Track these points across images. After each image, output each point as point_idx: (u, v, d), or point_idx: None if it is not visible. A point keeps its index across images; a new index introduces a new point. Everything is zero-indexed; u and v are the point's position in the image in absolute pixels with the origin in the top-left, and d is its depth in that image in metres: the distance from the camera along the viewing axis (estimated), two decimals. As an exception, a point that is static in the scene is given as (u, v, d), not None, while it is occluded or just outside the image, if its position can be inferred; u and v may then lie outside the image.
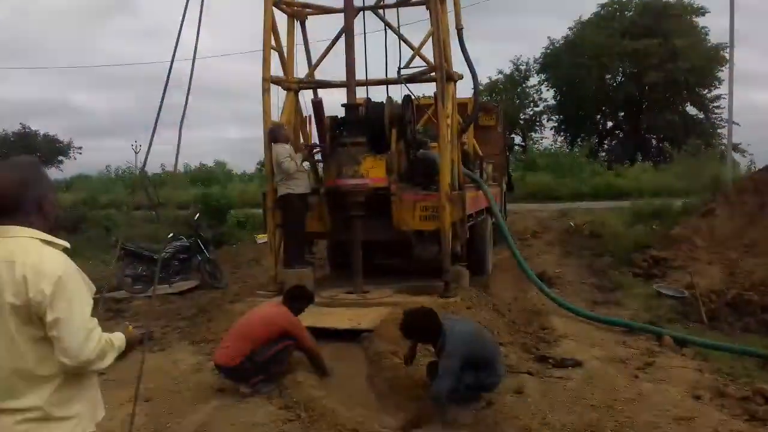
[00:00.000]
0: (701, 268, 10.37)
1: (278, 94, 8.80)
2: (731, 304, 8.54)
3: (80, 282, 2.22)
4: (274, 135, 8.18)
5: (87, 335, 2.15)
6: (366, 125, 8.06)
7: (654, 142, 37.46)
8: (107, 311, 8.80)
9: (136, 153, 22.46)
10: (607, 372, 5.70)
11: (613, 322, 7.63)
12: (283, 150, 8.00)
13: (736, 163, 20.99)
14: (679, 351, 6.62)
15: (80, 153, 45.24)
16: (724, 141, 25.10)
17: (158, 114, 3.93)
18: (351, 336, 6.58)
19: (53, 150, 42.55)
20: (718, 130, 34.80)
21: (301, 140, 9.06)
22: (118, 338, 2.38)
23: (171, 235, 11.88)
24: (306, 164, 8.76)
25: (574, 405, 4.92)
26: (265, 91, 8.32)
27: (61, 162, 43.86)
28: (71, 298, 2.14)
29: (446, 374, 4.60)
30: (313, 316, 6.91)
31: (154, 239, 13.38)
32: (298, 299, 5.68)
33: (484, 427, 4.62)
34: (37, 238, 2.20)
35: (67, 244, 2.31)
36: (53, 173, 39.52)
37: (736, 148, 28.48)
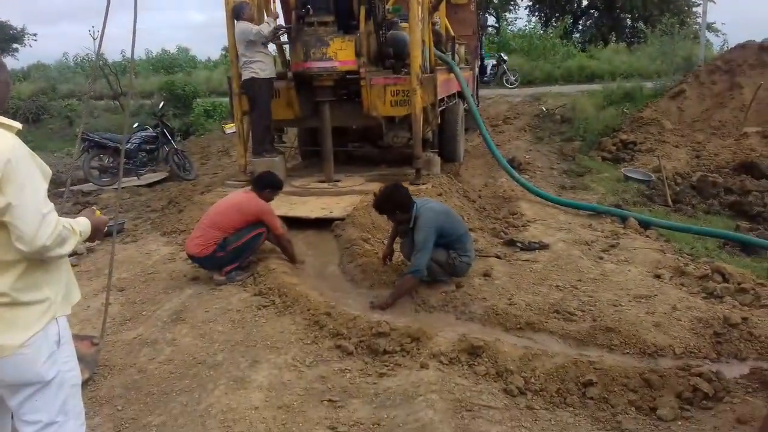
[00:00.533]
0: (669, 150, 10.53)
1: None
2: (696, 186, 8.75)
3: (32, 165, 2.14)
4: (236, 12, 7.77)
5: (41, 220, 2.09)
6: (333, 3, 7.67)
7: (629, 21, 36.67)
8: (75, 204, 8.70)
9: (94, 39, 21.38)
10: (572, 254, 5.88)
11: (580, 206, 7.78)
12: (247, 27, 7.63)
13: (709, 43, 20.77)
14: (643, 233, 6.82)
15: (35, 40, 42.87)
16: (699, 20, 24.69)
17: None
18: (323, 224, 6.62)
19: (6, 37, 40.21)
20: (693, 9, 34.12)
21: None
22: (81, 223, 2.34)
23: (136, 125, 11.58)
24: (271, 47, 8.41)
25: (539, 286, 5.09)
26: (223, -34, 7.81)
27: (15, 50, 41.59)
28: (23, 182, 2.06)
29: (423, 247, 4.76)
30: (285, 205, 6.92)
31: (119, 130, 13.05)
32: (267, 186, 5.58)
33: (452, 308, 4.76)
34: None
35: (19, 126, 2.20)
36: (8, 62, 37.57)
37: (710, 27, 28.09)
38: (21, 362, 2.16)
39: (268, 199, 5.59)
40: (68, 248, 2.23)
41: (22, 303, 2.15)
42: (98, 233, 2.49)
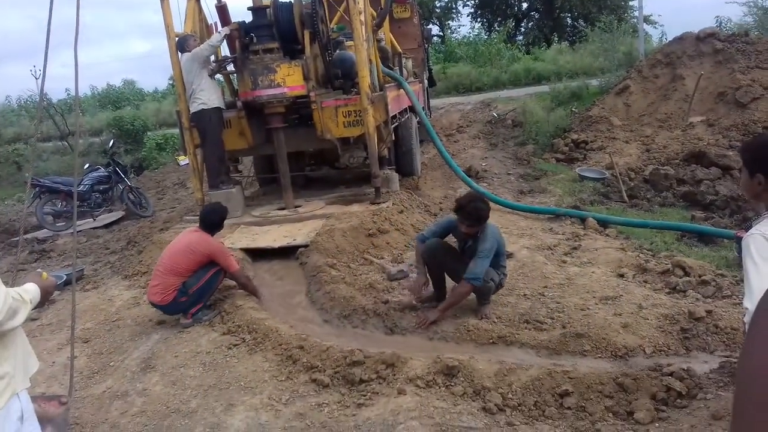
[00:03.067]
0: (619, 147, 10.77)
1: (179, 2, 8.24)
2: (649, 180, 8.96)
3: None
4: (181, 45, 7.69)
5: None
6: (276, 29, 7.66)
7: (569, 20, 37.57)
8: (31, 253, 8.44)
9: (36, 79, 20.85)
10: (536, 260, 5.94)
11: (539, 210, 7.90)
12: (197, 50, 7.54)
13: (648, 36, 21.38)
14: (603, 232, 6.95)
15: (-26, 83, 41.87)
16: (636, 14, 25.40)
17: (48, 33, 3.59)
18: (287, 252, 6.56)
19: (-55, 84, 39.03)
20: (630, 3, 35.13)
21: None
22: (29, 291, 2.28)
23: (87, 165, 11.35)
24: (218, 77, 8.34)
25: (507, 296, 5.13)
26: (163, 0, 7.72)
27: (-45, 95, 40.46)
28: None
29: (487, 255, 4.64)
30: (247, 237, 6.86)
31: (69, 172, 12.75)
32: (211, 219, 5.49)
33: (424, 329, 4.76)
34: None
35: None
36: (-53, 107, 36.48)
37: (647, 19, 28.90)
38: None
39: (217, 231, 5.56)
40: (20, 319, 2.18)
41: None
42: (48, 296, 2.43)
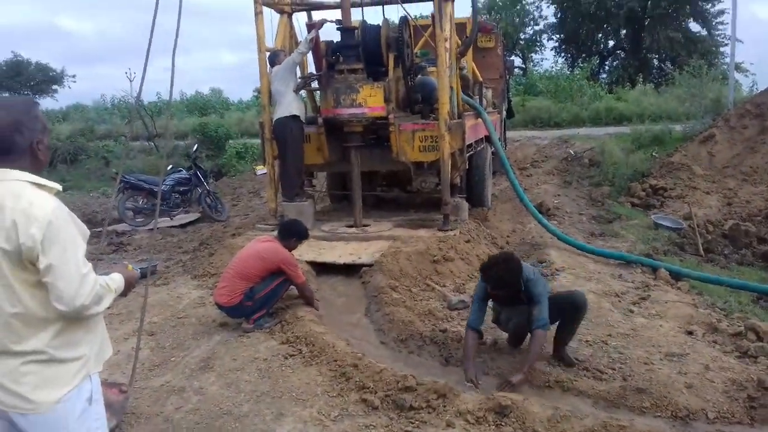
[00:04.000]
0: (699, 197, 10.41)
1: (272, 18, 8.55)
2: (728, 235, 8.61)
3: (72, 226, 2.20)
4: (272, 59, 8.04)
5: (81, 281, 2.14)
6: (362, 50, 7.84)
7: (656, 62, 36.68)
8: (110, 245, 8.87)
9: (130, 81, 22.08)
10: (602, 306, 5.79)
11: (610, 255, 7.70)
12: (287, 60, 7.86)
13: (738, 84, 20.64)
14: (675, 284, 6.71)
15: (74, 81, 44.30)
16: (727, 60, 24.58)
17: (150, 40, 3.82)
18: (351, 270, 6.65)
19: (47, 79, 41.61)
20: (721, 48, 34.04)
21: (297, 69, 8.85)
22: (115, 280, 2.38)
23: (170, 167, 11.86)
24: (303, 93, 8.60)
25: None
26: (258, 14, 8.03)
27: (55, 91, 43.05)
28: (64, 243, 2.12)
29: (544, 300, 4.44)
30: (314, 250, 6.99)
31: (153, 171, 13.36)
32: (292, 236, 5.64)
33: (481, 362, 4.72)
34: (27, 181, 2.16)
35: (59, 187, 2.28)
36: (48, 103, 38.93)
37: (738, 67, 27.92)
38: (53, 419, 2.19)
39: (292, 248, 5.64)
40: (104, 306, 2.28)
41: (59, 360, 2.19)
42: (131, 288, 2.55)
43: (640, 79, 29.67)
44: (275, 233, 5.83)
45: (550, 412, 3.78)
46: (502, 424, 3.73)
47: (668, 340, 4.99)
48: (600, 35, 37.91)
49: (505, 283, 4.43)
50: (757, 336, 5.00)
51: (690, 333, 5.18)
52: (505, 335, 5.00)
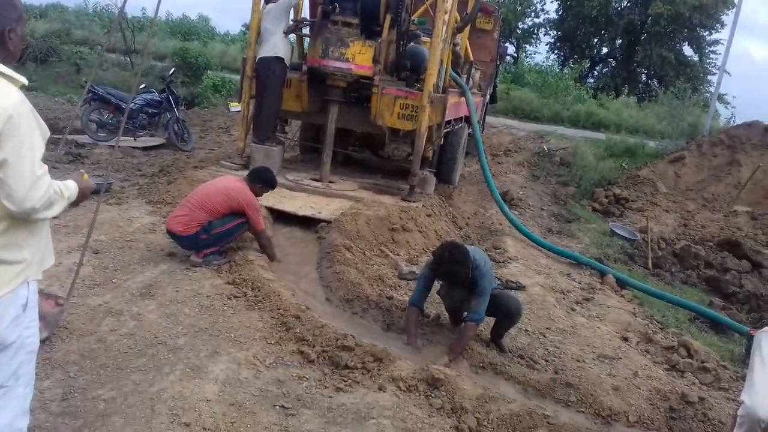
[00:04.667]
0: (658, 213, 10.64)
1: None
2: (678, 254, 8.84)
3: (33, 124, 2.11)
4: None
5: (34, 182, 2.07)
6: (360, 5, 7.68)
7: (643, 77, 37.12)
8: (67, 154, 8.60)
9: (118, -9, 21.12)
10: (547, 300, 5.91)
11: (563, 253, 7.84)
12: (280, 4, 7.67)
13: (717, 114, 21.04)
14: (619, 291, 6.88)
15: (59, -21, 42.48)
16: (712, 89, 25.02)
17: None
18: (309, 223, 6.61)
19: (30, -29, 39.70)
20: (708, 77, 34.63)
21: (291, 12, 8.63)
22: (69, 188, 2.31)
23: (143, 86, 11.50)
24: (292, 37, 8.40)
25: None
26: (259, -55, 7.79)
27: (38, -14, 41.15)
28: (22, 140, 2.04)
29: (486, 293, 4.50)
30: (274, 198, 6.90)
31: (125, 87, 12.95)
32: (262, 182, 5.59)
33: (421, 334, 4.77)
34: None
35: (25, 81, 2.17)
36: (27, -3, 37.22)
37: (721, 98, 28.52)
38: None
39: (258, 194, 5.58)
40: (55, 212, 2.22)
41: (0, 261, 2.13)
42: (84, 198, 2.47)
43: (625, 90, 29.99)
44: (245, 175, 5.73)
45: (479, 391, 3.85)
46: (432, 395, 3.79)
47: (603, 343, 5.13)
48: (596, 40, 38.08)
49: (454, 277, 4.49)
50: (688, 352, 5.17)
51: (625, 339, 5.34)
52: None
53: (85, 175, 2.52)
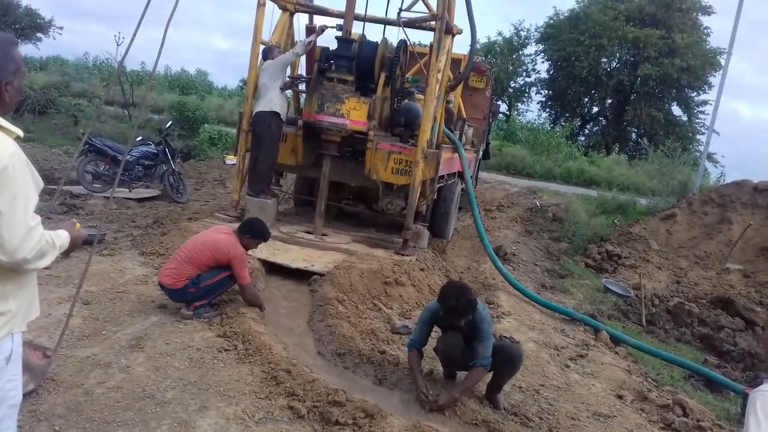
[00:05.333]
0: (651, 270, 10.66)
1: (273, 12, 8.51)
2: (671, 311, 8.82)
3: (27, 175, 2.12)
4: (266, 53, 8.00)
5: (27, 233, 2.08)
6: (356, 63, 7.86)
7: (634, 135, 37.83)
8: (61, 204, 8.62)
9: (117, 44, 21.59)
10: (541, 357, 5.85)
11: (556, 309, 7.81)
12: (281, 56, 7.86)
13: (707, 173, 21.38)
14: (613, 348, 6.83)
15: (60, 33, 43.09)
16: (701, 148, 25.49)
17: (146, 8, 3.76)
18: (301, 276, 6.59)
19: (33, 25, 40.53)
20: (698, 136, 35.34)
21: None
22: (61, 237, 2.32)
23: (140, 138, 11.63)
24: (288, 93, 8.57)
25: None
26: (261, 6, 8.00)
27: (39, 39, 41.91)
28: (16, 191, 2.05)
29: (489, 336, 4.47)
30: (268, 250, 6.90)
31: (122, 139, 13.08)
32: (253, 234, 5.50)
33: (413, 389, 4.69)
34: None
35: (20, 132, 2.19)
36: (29, 50, 37.94)
37: (710, 157, 29.01)
38: None
39: (250, 247, 5.53)
40: (46, 262, 2.21)
41: None
42: (75, 248, 2.47)
43: (616, 148, 30.50)
44: (236, 227, 5.67)
45: (472, 450, 3.78)
46: (424, 453, 3.71)
47: (598, 400, 5.06)
48: (586, 99, 38.99)
49: (459, 315, 4.40)
50: (684, 411, 5.10)
51: (620, 397, 5.27)
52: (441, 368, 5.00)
53: (77, 225, 2.53)
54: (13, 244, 2.05)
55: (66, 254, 2.45)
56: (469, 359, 4.52)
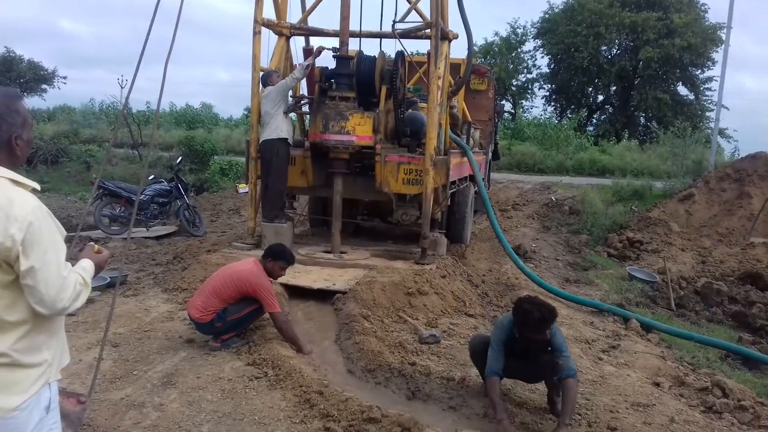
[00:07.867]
0: (674, 253, 10.53)
1: (270, 39, 8.60)
2: (700, 292, 8.70)
3: (53, 227, 2.14)
4: (264, 79, 8.05)
5: (62, 284, 2.10)
6: (356, 79, 7.91)
7: (642, 120, 37.54)
8: (81, 250, 8.68)
9: (121, 87, 22.04)
10: (573, 352, 5.74)
11: (583, 302, 7.74)
12: (281, 82, 7.90)
13: (720, 149, 21.15)
14: (645, 336, 6.75)
15: (64, 83, 43.92)
16: (711, 125, 25.24)
17: (143, 47, 3.79)
18: (324, 296, 6.60)
19: (37, 77, 41.29)
20: (707, 113, 34.95)
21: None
22: (87, 270, 2.34)
23: (152, 177, 11.78)
24: (292, 116, 8.62)
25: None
26: (256, 34, 8.08)
27: (44, 91, 42.70)
28: (45, 245, 2.06)
29: (566, 347, 4.30)
30: (289, 273, 6.89)
31: (134, 179, 13.24)
32: (277, 259, 5.46)
33: (448, 399, 4.67)
34: (6, 178, 2.09)
35: (37, 186, 2.21)
36: (35, 102, 38.62)
37: (722, 133, 28.70)
38: (10, 426, 2.10)
39: (277, 274, 5.50)
40: (82, 301, 2.24)
41: (21, 365, 2.12)
42: (100, 271, 2.48)
43: (626, 135, 30.27)
44: (261, 255, 5.60)
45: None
46: (464, 462, 3.68)
47: (635, 390, 4.99)
48: (590, 89, 38.77)
49: (547, 320, 4.14)
50: (723, 392, 5.02)
51: (657, 384, 5.19)
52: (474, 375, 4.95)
53: (96, 246, 2.54)
54: (51, 297, 2.08)
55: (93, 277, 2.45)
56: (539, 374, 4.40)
